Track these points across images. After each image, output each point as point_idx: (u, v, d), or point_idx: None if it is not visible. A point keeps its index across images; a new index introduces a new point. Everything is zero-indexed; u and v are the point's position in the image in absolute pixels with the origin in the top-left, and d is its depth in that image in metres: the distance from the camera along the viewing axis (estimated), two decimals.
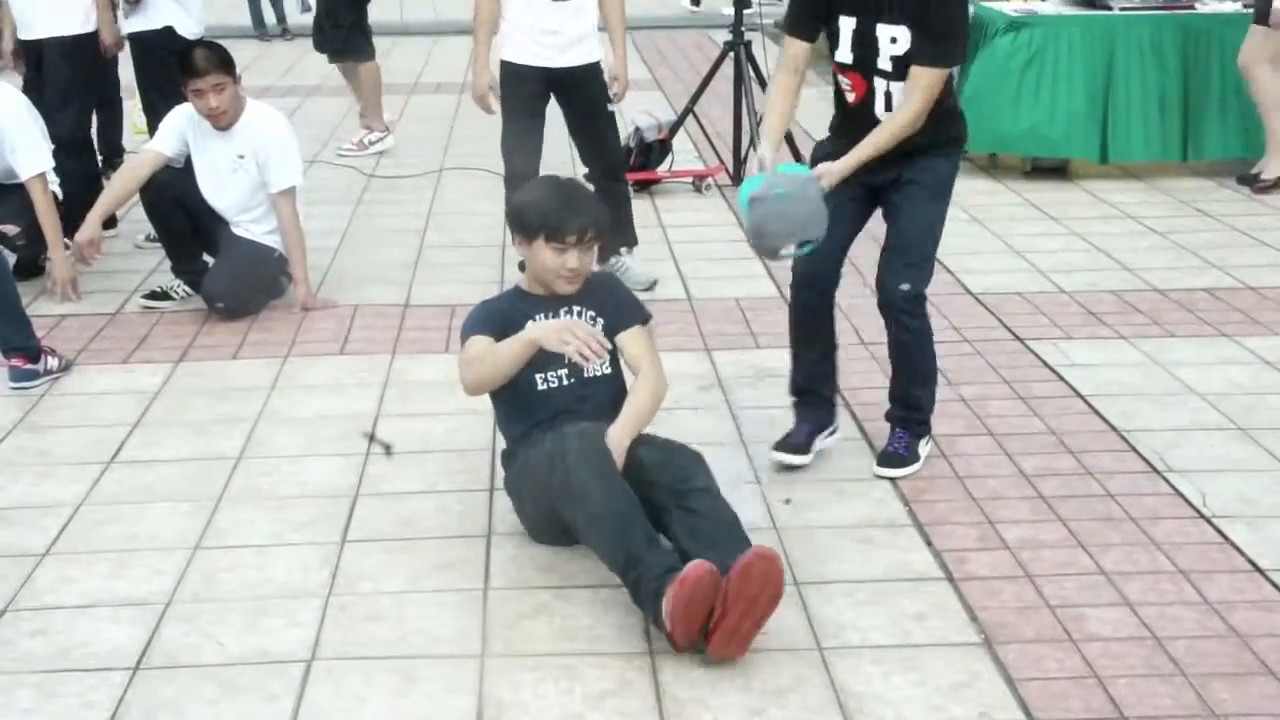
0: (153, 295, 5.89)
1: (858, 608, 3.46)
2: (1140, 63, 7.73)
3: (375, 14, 8.91)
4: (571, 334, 3.62)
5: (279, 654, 3.30)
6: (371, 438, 4.49)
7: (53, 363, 5.05)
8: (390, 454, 4.37)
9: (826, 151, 4.16)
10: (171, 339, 5.49)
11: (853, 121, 4.12)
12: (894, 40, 3.95)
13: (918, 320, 4.17)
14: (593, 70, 5.84)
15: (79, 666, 3.26)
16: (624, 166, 6.42)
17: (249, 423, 4.67)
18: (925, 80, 3.92)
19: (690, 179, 7.68)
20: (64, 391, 4.98)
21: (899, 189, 4.11)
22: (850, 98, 4.12)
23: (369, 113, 8.79)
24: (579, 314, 3.82)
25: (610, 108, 5.98)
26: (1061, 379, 4.92)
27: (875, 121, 4.05)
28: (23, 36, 6.69)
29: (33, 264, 6.18)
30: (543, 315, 3.79)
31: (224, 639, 3.37)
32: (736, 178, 7.66)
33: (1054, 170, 7.95)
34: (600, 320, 3.84)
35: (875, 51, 4.00)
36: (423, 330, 5.57)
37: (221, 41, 5.98)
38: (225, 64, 5.60)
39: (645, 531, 3.37)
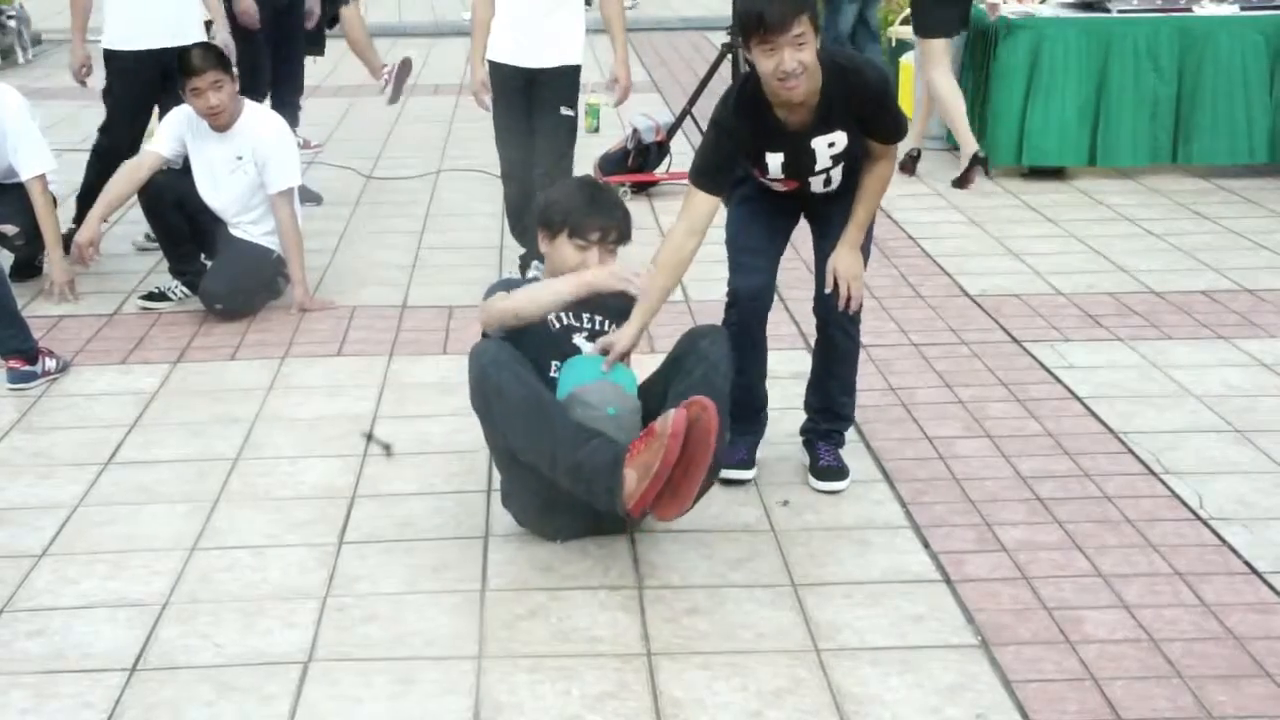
0: (150, 296, 5.89)
1: (855, 609, 3.47)
2: (1135, 65, 7.75)
3: (373, 16, 8.90)
4: (628, 279, 3.72)
5: (276, 655, 3.30)
6: (371, 438, 4.49)
7: (50, 364, 5.05)
8: (390, 454, 4.37)
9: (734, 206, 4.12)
10: (169, 340, 5.49)
11: (781, 196, 4.07)
12: (831, 144, 3.88)
13: (857, 326, 4.13)
14: (564, 73, 5.85)
15: (76, 667, 3.26)
16: (569, 172, 6.41)
17: (246, 424, 4.67)
18: (892, 151, 3.97)
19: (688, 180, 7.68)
20: (61, 392, 4.97)
21: (830, 200, 4.04)
22: (779, 188, 4.04)
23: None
24: (600, 322, 3.86)
25: (567, 112, 5.91)
26: (1059, 381, 4.92)
27: (809, 196, 4.03)
28: (143, 46, 6.31)
29: (31, 264, 6.18)
30: (564, 312, 3.83)
31: (221, 640, 3.37)
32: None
33: (1051, 172, 7.96)
34: (617, 329, 3.86)
35: (812, 160, 3.91)
36: (420, 331, 5.57)
37: None
38: (222, 62, 5.61)
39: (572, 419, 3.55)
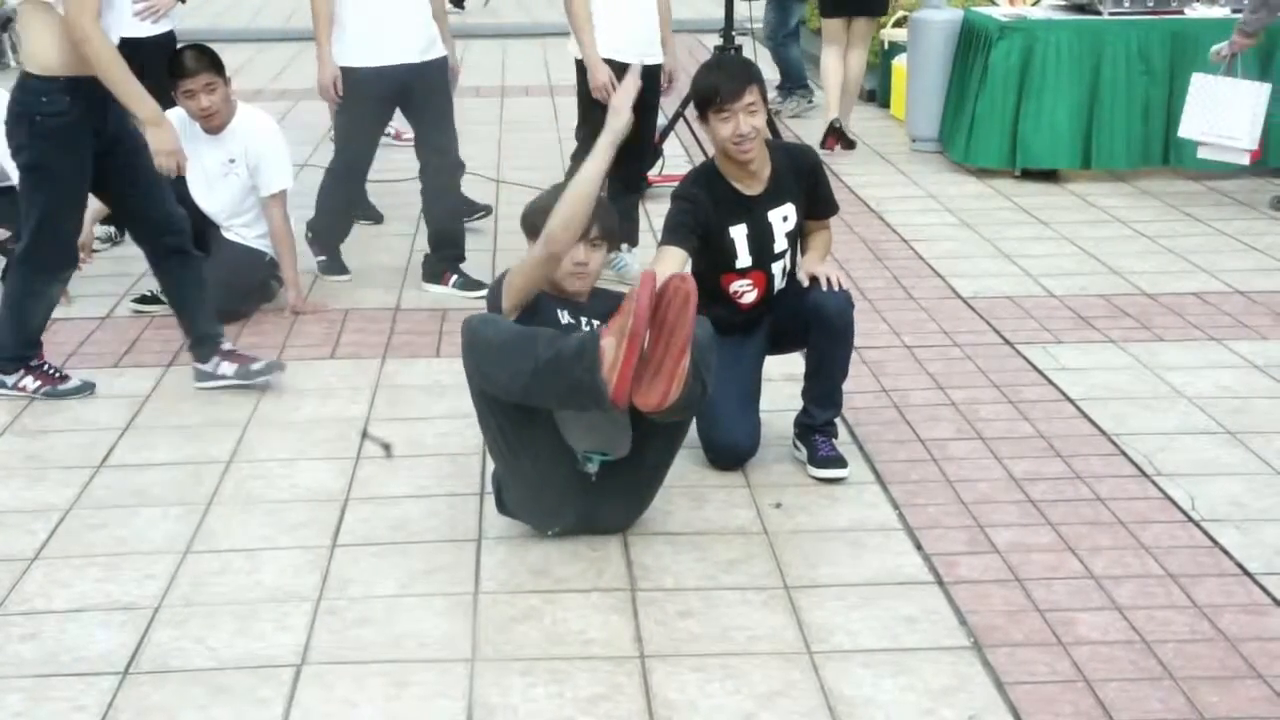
0: (143, 299, 5.88)
1: (848, 611, 3.47)
2: (1127, 68, 7.76)
3: None
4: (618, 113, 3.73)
5: (269, 658, 3.30)
6: (370, 437, 4.49)
7: (30, 384, 4.89)
8: (390, 454, 4.37)
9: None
10: (162, 343, 5.48)
11: (746, 320, 4.29)
12: (785, 219, 4.26)
13: (851, 306, 4.24)
14: (656, 72, 5.97)
15: (68, 671, 3.26)
16: (647, 168, 6.51)
17: (239, 427, 4.66)
18: (830, 226, 4.43)
19: (677, 183, 7.67)
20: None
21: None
22: (749, 299, 4.29)
23: None
24: (596, 328, 3.85)
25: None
26: (1051, 383, 4.93)
27: (769, 303, 4.30)
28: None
29: None
30: (564, 313, 3.86)
31: (214, 643, 3.37)
32: None
33: (1043, 174, 7.98)
34: None
35: (771, 238, 4.24)
36: (413, 334, 5.57)
37: (213, 45, 5.97)
38: (215, 64, 5.61)
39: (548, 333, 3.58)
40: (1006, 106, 7.86)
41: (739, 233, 4.21)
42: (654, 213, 7.25)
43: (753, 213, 4.21)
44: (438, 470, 4.29)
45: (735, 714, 3.07)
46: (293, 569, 3.72)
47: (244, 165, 5.68)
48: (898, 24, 9.86)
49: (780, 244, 4.26)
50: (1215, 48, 7.20)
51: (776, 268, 4.29)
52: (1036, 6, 8.46)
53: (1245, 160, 7.18)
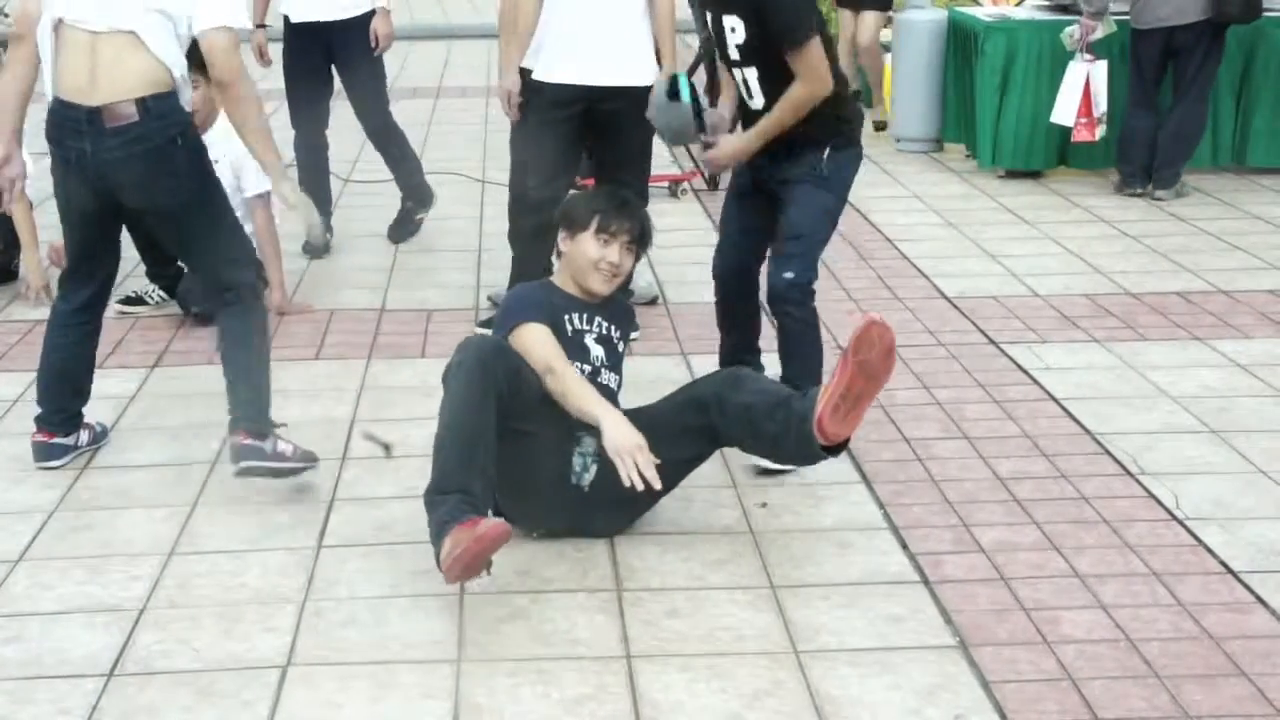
0: (128, 300, 5.87)
1: (834, 611, 3.47)
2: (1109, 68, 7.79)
3: None
4: (634, 458, 3.61)
5: (255, 660, 3.30)
6: (370, 437, 4.48)
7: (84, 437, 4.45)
8: (390, 454, 4.36)
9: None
10: (146, 344, 5.47)
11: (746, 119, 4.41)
12: (733, 30, 4.22)
13: (803, 310, 4.26)
14: (631, 93, 5.35)
15: (53, 673, 3.25)
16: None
17: (224, 428, 4.63)
18: (795, 63, 4.13)
19: (665, 184, 7.68)
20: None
21: (787, 187, 4.28)
22: (743, 94, 4.37)
23: None
24: (607, 329, 3.95)
25: None
26: (1035, 382, 4.94)
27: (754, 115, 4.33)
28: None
29: (6, 269, 6.15)
30: (577, 315, 3.89)
31: (199, 645, 3.36)
32: (712, 183, 7.71)
33: (1027, 174, 8.00)
34: (619, 336, 4.01)
35: (724, 41, 4.28)
36: (399, 335, 5.56)
37: None
38: (198, 63, 5.57)
39: (473, 459, 3.50)
40: (990, 107, 7.88)
41: (712, 20, 4.31)
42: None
43: (713, 6, 4.30)
44: (423, 471, 4.25)
45: (721, 714, 3.07)
46: (278, 570, 3.71)
47: (227, 166, 5.64)
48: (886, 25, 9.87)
49: (733, 52, 4.26)
50: (1068, 30, 7.51)
51: (736, 73, 4.31)
52: (1020, 7, 8.48)
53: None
